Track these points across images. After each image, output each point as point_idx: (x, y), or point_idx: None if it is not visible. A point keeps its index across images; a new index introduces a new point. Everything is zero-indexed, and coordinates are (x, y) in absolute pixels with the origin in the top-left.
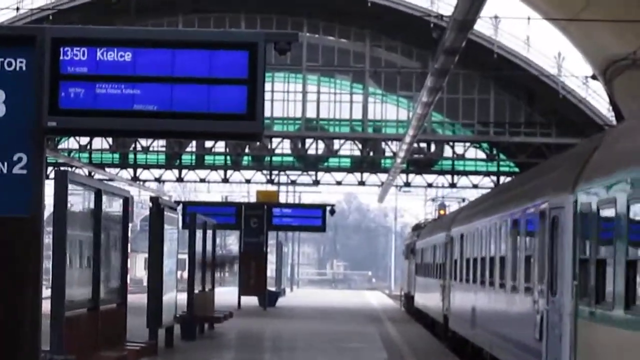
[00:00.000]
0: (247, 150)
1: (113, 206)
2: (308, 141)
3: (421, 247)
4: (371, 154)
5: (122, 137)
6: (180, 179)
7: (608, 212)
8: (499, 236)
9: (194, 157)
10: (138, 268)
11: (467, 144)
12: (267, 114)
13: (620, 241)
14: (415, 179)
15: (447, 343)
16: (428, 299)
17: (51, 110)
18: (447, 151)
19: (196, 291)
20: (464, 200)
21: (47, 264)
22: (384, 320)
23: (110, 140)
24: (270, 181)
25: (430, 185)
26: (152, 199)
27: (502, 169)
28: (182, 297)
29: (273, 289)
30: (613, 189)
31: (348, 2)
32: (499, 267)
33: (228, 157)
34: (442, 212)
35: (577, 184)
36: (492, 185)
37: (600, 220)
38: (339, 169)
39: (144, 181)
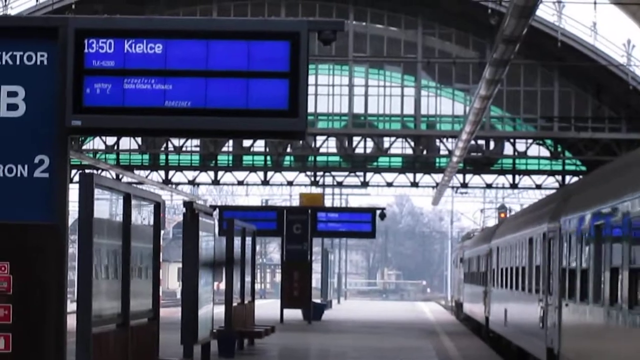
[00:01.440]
0: (289, 150)
1: (143, 212)
2: (355, 139)
3: (468, 256)
4: (424, 152)
5: (153, 136)
6: (216, 182)
7: (575, 237)
8: (520, 250)
9: (231, 157)
10: (171, 279)
11: (529, 141)
12: (310, 109)
13: (579, 257)
14: (473, 179)
15: (489, 343)
16: (474, 305)
17: (75, 108)
18: (508, 149)
19: (234, 304)
20: (521, 205)
21: (72, 276)
22: (440, 333)
23: (139, 140)
24: (315, 183)
25: (489, 186)
26: (185, 203)
27: (567, 167)
28: (220, 311)
29: (318, 300)
30: (578, 222)
31: None
32: (520, 274)
33: (268, 158)
34: (502, 215)
35: (560, 216)
36: (557, 185)
37: (571, 242)
38: (390, 169)
39: (177, 184)
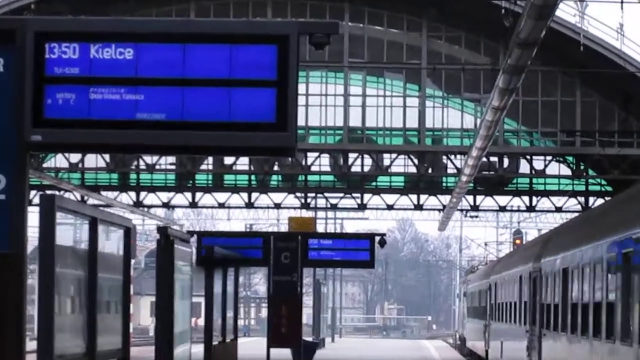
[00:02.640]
0: (276, 168)
1: (111, 238)
2: (352, 156)
3: (470, 291)
4: (430, 171)
5: (122, 153)
6: (193, 204)
7: (550, 277)
8: (513, 286)
9: (210, 177)
10: (143, 314)
11: (548, 158)
12: (301, 122)
13: (553, 294)
14: (485, 201)
15: None
16: (475, 338)
17: (35, 121)
18: (524, 167)
19: (215, 342)
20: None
21: (32, 310)
22: None
23: (107, 157)
24: (306, 205)
25: (502, 209)
26: (159, 229)
27: (591, 188)
28: (198, 350)
29: (310, 338)
30: (553, 262)
31: None
32: (513, 309)
33: (253, 177)
34: (518, 241)
35: (541, 258)
36: (579, 208)
37: (548, 281)
38: (391, 190)
39: (149, 207)
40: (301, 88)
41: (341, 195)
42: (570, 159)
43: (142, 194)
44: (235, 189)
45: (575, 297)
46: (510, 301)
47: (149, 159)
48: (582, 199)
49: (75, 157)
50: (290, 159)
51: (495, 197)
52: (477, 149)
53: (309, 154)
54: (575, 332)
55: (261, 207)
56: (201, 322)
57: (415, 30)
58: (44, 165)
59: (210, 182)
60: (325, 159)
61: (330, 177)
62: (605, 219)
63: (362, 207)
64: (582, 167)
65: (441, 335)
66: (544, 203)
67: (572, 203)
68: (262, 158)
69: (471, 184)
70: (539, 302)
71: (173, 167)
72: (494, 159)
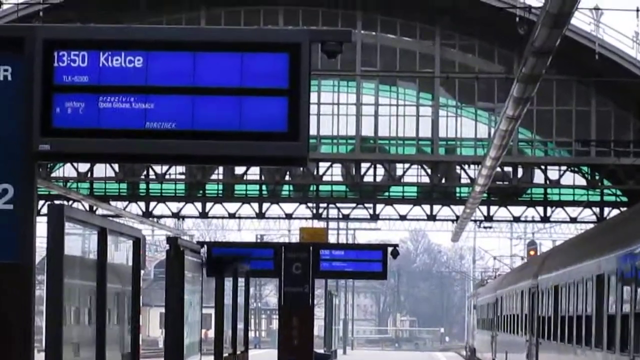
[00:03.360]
0: (287, 178)
1: (121, 249)
2: (364, 166)
3: (480, 304)
4: (443, 181)
5: (132, 162)
6: (204, 214)
7: (547, 292)
8: (515, 300)
9: (221, 187)
10: (152, 326)
11: (563, 168)
12: (312, 132)
13: (547, 307)
14: (499, 211)
15: None
16: (483, 348)
17: (43, 131)
18: (538, 177)
19: (225, 354)
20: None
21: (40, 322)
22: None
23: (116, 167)
24: (317, 216)
25: (517, 220)
26: (169, 239)
27: (606, 198)
28: None
29: (321, 351)
30: (547, 280)
31: None
32: (516, 320)
33: (264, 187)
34: (532, 252)
35: (539, 275)
36: (594, 219)
37: (543, 296)
38: (403, 200)
39: (159, 217)
40: (313, 97)
41: (353, 205)
42: (585, 169)
43: (152, 204)
44: (246, 199)
45: (564, 310)
46: (514, 314)
47: (158, 168)
48: (597, 210)
49: (84, 167)
50: (301, 168)
51: (509, 207)
52: (491, 158)
53: (320, 163)
54: (564, 341)
55: (272, 218)
56: (211, 333)
57: (429, 38)
58: (53, 174)
59: (220, 192)
60: (337, 169)
61: (342, 187)
62: (587, 244)
63: (374, 217)
64: (597, 177)
65: (454, 347)
66: (558, 213)
67: (587, 213)
68: (273, 168)
69: (485, 194)
70: (536, 315)
71: (183, 176)
72: (508, 169)
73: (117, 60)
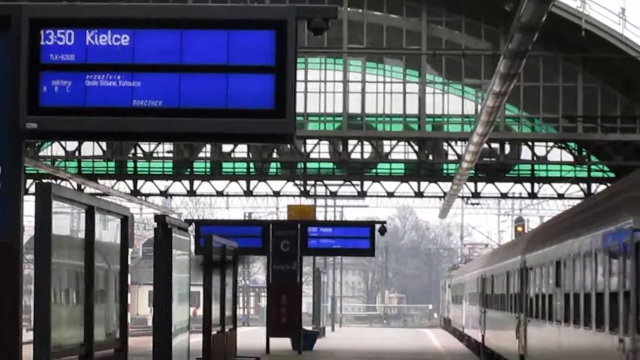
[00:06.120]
0: (275, 156)
1: (109, 227)
2: (351, 143)
3: (454, 283)
4: (430, 158)
5: (119, 140)
6: (191, 192)
7: (530, 270)
8: (502, 279)
9: (208, 165)
10: (141, 304)
11: (550, 144)
12: (299, 109)
13: (534, 285)
14: (486, 188)
15: (466, 342)
16: (456, 317)
17: (30, 109)
18: (525, 153)
19: (214, 332)
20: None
21: (28, 301)
22: None
23: (104, 145)
24: (305, 193)
25: (504, 196)
26: (157, 217)
27: (593, 174)
28: (197, 340)
29: (310, 328)
30: (531, 258)
31: None
32: (501, 298)
33: (251, 165)
34: (519, 229)
35: (525, 252)
36: (581, 195)
37: (526, 273)
38: (391, 177)
39: (147, 195)
40: (300, 74)
41: (341, 182)
42: (572, 145)
43: (140, 182)
44: (233, 177)
45: (531, 290)
46: (475, 292)
47: (146, 146)
48: (584, 186)
49: (71, 146)
50: (289, 146)
51: (496, 184)
52: (478, 135)
53: (308, 141)
54: (505, 310)
55: (260, 195)
56: (200, 311)
57: (415, 15)
58: (40, 153)
59: (208, 170)
60: (324, 146)
61: (330, 165)
62: (559, 226)
63: (362, 194)
64: (584, 154)
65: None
66: (546, 190)
67: (575, 189)
68: (260, 145)
69: (472, 171)
70: (490, 292)
71: (170, 155)
72: (495, 145)
73: (103, 38)
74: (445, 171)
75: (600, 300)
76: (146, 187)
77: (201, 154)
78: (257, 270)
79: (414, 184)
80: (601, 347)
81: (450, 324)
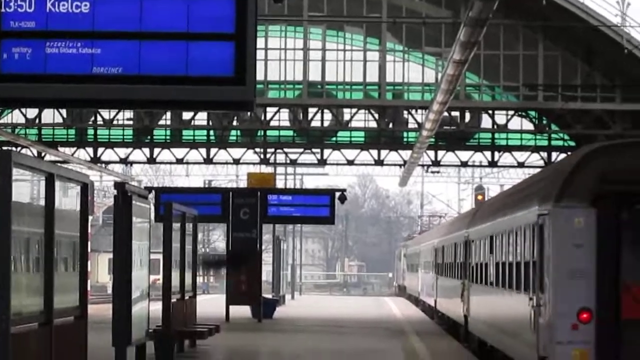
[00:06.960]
0: (235, 123)
1: (69, 195)
2: (311, 111)
3: (410, 252)
4: (390, 126)
5: (79, 107)
6: (151, 160)
7: (472, 242)
8: (452, 250)
9: (168, 132)
10: (101, 272)
11: (510, 113)
12: (259, 77)
13: (475, 255)
14: (446, 156)
15: (421, 307)
16: (412, 284)
17: None
18: (486, 121)
19: (173, 300)
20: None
21: None
22: (409, 333)
23: (64, 112)
24: (265, 161)
25: (464, 165)
26: (117, 184)
27: (554, 143)
28: (157, 308)
29: (269, 296)
30: (473, 232)
31: None
32: (450, 266)
33: (211, 132)
34: (479, 197)
35: (469, 227)
36: (542, 163)
37: (469, 245)
38: (351, 145)
39: (107, 163)
40: (260, 42)
41: (301, 150)
42: (532, 113)
43: (100, 149)
44: (193, 145)
45: (473, 259)
46: (428, 260)
47: (106, 114)
48: (544, 154)
49: (32, 113)
50: (249, 113)
51: (456, 152)
52: (438, 103)
53: (268, 108)
54: (453, 277)
55: (220, 163)
56: (160, 279)
57: None
58: (0, 121)
59: (168, 137)
60: (284, 114)
61: (290, 132)
62: (496, 204)
63: (322, 162)
64: (544, 122)
65: (403, 292)
66: (506, 158)
67: (535, 158)
68: (220, 113)
69: (432, 139)
70: (442, 261)
71: (130, 122)
72: (455, 113)
73: (63, 5)
74: (405, 139)
75: (518, 268)
76: (106, 154)
77: (161, 122)
78: (217, 238)
79: (374, 152)
80: (519, 304)
81: (406, 291)
